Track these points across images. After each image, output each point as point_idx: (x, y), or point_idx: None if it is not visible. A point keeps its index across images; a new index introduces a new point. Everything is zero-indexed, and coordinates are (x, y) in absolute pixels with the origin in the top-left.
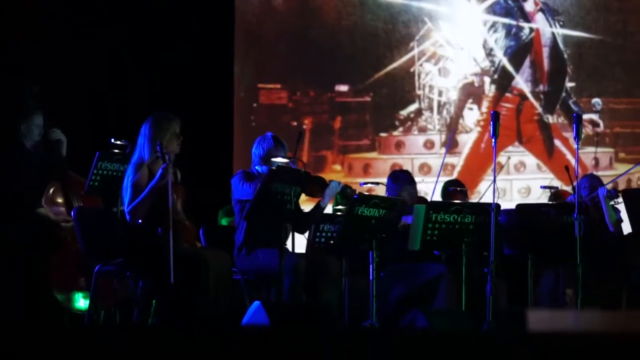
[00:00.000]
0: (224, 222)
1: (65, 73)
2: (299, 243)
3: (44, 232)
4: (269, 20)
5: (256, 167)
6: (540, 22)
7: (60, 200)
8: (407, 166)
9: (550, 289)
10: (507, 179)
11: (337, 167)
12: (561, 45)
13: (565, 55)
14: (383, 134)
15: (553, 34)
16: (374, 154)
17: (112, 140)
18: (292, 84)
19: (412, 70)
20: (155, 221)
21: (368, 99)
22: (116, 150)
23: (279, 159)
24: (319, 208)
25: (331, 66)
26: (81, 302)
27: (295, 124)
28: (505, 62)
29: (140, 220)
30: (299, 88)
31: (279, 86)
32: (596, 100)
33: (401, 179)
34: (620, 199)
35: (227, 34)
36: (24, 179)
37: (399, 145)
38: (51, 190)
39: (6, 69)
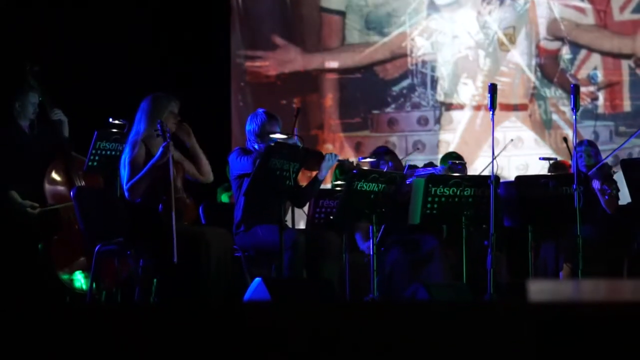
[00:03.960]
0: (224, 198)
1: (62, 52)
2: (299, 218)
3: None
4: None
5: (254, 145)
6: None
7: (59, 179)
8: (401, 144)
9: (551, 259)
10: (505, 156)
11: (329, 146)
12: (557, 17)
13: (562, 27)
14: (375, 112)
15: (549, 4)
16: (366, 132)
17: (110, 119)
18: (282, 60)
19: (403, 44)
20: (155, 199)
21: (359, 75)
22: (114, 130)
23: (277, 135)
24: (317, 181)
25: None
26: (82, 281)
27: (284, 102)
28: (500, 34)
29: (140, 199)
30: (288, 65)
31: (267, 64)
32: (594, 73)
33: (380, 152)
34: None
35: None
36: (7, 159)
37: (392, 123)
38: (53, 171)
39: (6, 45)
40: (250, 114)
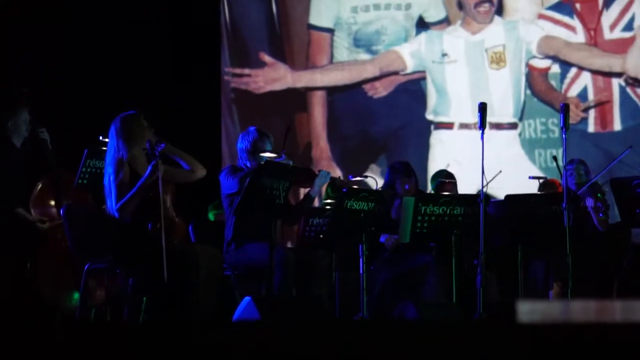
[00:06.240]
0: (210, 216)
1: (52, 70)
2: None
3: (23, 232)
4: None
5: (245, 163)
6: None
7: (49, 200)
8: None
9: (541, 279)
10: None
11: (318, 163)
12: (547, 35)
13: (552, 45)
14: (364, 129)
15: (539, 22)
16: (355, 150)
17: (100, 137)
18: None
19: (392, 62)
20: (144, 218)
21: (348, 93)
22: (104, 148)
23: (268, 154)
24: (308, 198)
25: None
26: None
27: (272, 120)
28: (490, 52)
29: (129, 218)
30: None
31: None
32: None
33: (399, 169)
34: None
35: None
36: (7, 177)
37: (381, 141)
38: (39, 190)
39: None
40: (241, 132)
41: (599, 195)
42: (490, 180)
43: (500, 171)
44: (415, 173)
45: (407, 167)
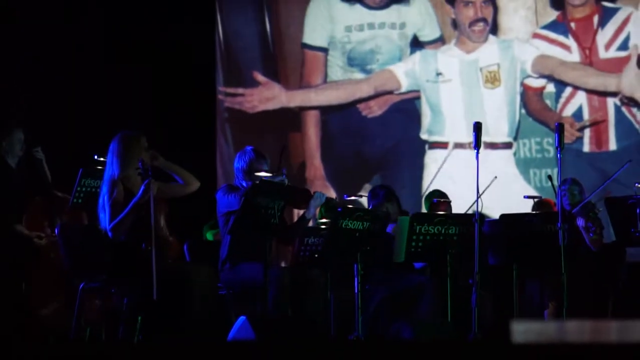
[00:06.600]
0: (208, 236)
1: (47, 89)
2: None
3: (21, 249)
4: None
5: (241, 182)
6: None
7: (44, 219)
8: (384, 182)
9: (536, 298)
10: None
11: (312, 183)
12: (542, 54)
13: (547, 64)
14: (358, 149)
15: (534, 41)
16: (349, 169)
17: (95, 156)
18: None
19: (387, 81)
20: (138, 237)
21: (342, 112)
22: (99, 167)
23: (264, 173)
24: (304, 219)
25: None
26: None
27: (266, 139)
28: (485, 71)
29: (123, 237)
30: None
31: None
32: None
33: (380, 195)
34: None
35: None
36: (2, 196)
37: (375, 160)
38: (33, 209)
39: None
40: (234, 151)
41: (590, 214)
42: (485, 189)
43: (496, 177)
44: (397, 196)
45: (387, 192)
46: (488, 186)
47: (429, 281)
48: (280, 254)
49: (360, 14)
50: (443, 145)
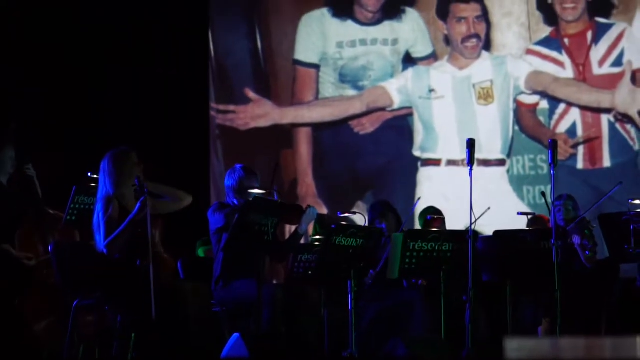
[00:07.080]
0: (200, 252)
1: (40, 105)
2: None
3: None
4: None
5: (233, 200)
6: None
7: (36, 237)
8: (377, 198)
9: (529, 315)
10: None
11: (304, 200)
12: (536, 70)
13: (541, 81)
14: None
15: (527, 58)
16: (341, 186)
17: (89, 174)
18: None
19: (379, 98)
20: (133, 254)
21: (334, 129)
22: (93, 184)
23: (256, 190)
24: (297, 235)
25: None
26: None
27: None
28: (478, 88)
29: (118, 254)
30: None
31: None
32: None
33: (377, 209)
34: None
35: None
36: None
37: (368, 176)
38: (25, 227)
39: None
40: (225, 168)
41: (586, 232)
42: (479, 217)
43: (489, 208)
44: (395, 211)
45: (384, 207)
46: (481, 215)
47: (420, 296)
48: (274, 271)
49: (352, 30)
50: (436, 162)
